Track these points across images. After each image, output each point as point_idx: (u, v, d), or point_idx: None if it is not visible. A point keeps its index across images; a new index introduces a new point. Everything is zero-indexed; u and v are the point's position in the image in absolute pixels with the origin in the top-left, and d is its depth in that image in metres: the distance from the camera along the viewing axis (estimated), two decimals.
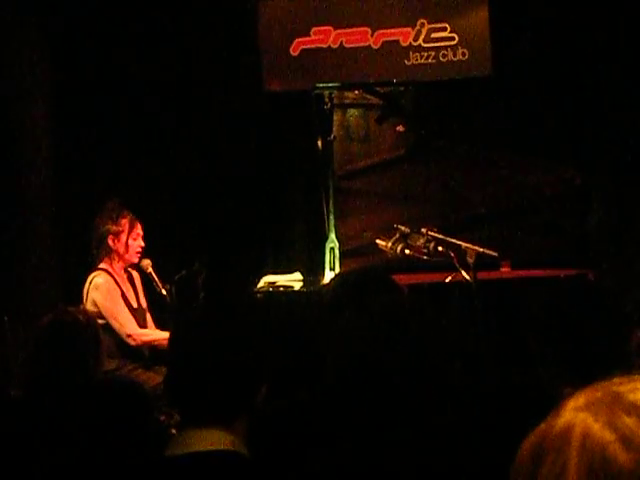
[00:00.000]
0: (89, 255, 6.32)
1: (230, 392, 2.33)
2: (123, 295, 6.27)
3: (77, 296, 6.21)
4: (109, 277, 6.24)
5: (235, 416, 2.33)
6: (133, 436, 3.20)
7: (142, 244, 6.33)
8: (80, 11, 7.61)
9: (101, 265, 6.28)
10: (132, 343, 6.15)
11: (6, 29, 7.37)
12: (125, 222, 6.25)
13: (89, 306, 6.14)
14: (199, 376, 2.33)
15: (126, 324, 6.17)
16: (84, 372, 3.62)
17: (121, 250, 6.26)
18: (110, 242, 6.23)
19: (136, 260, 6.36)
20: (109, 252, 6.26)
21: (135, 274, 6.45)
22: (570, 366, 2.59)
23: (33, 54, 7.51)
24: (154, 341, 6.21)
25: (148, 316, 6.46)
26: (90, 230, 6.31)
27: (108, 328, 6.08)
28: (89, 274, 6.25)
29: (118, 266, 6.31)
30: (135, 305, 6.35)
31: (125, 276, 6.39)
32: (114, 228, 6.23)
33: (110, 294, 6.19)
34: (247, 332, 2.41)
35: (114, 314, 6.15)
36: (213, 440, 2.28)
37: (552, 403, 1.17)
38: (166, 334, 6.06)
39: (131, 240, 6.28)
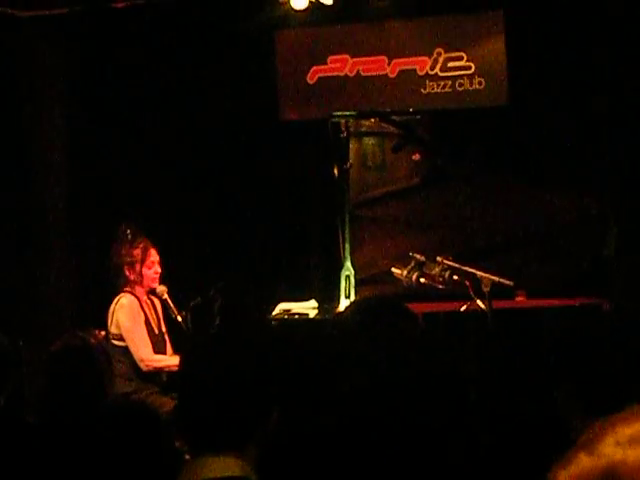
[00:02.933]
0: (108, 282, 6.36)
1: (241, 419, 2.32)
2: (147, 319, 6.31)
3: (92, 320, 6.24)
4: (134, 299, 6.30)
5: (246, 442, 2.32)
6: (146, 461, 3.20)
7: (158, 270, 6.36)
8: (97, 36, 7.66)
9: (126, 288, 6.33)
10: (144, 368, 6.17)
11: (23, 51, 7.44)
12: (138, 252, 6.28)
13: (113, 328, 6.19)
14: (209, 402, 2.32)
15: (141, 348, 6.19)
16: (98, 394, 3.62)
17: (137, 279, 6.30)
18: (126, 272, 6.28)
19: (155, 286, 6.39)
20: (127, 281, 6.30)
21: (156, 300, 6.49)
22: (586, 396, 2.57)
23: (49, 73, 7.59)
24: (166, 367, 6.24)
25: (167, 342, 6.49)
26: (107, 257, 6.35)
27: (128, 351, 6.14)
28: (114, 296, 6.29)
29: (140, 292, 6.35)
30: (157, 331, 6.39)
31: (149, 302, 6.43)
32: (128, 259, 6.27)
33: (133, 315, 6.24)
34: (259, 359, 2.40)
35: (132, 336, 6.18)
36: (224, 467, 2.28)
37: (567, 433, 1.16)
38: (178, 359, 6.09)
39: (145, 269, 6.31)
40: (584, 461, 1.10)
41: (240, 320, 6.99)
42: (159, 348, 6.35)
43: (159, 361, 6.25)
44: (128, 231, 6.34)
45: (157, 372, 6.24)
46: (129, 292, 6.32)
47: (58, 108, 7.69)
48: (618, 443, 1.07)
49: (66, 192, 7.66)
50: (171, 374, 6.21)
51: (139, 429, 3.20)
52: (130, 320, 6.23)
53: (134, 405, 4.58)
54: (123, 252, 6.28)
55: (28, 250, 7.44)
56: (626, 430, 1.09)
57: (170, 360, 6.28)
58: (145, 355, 6.19)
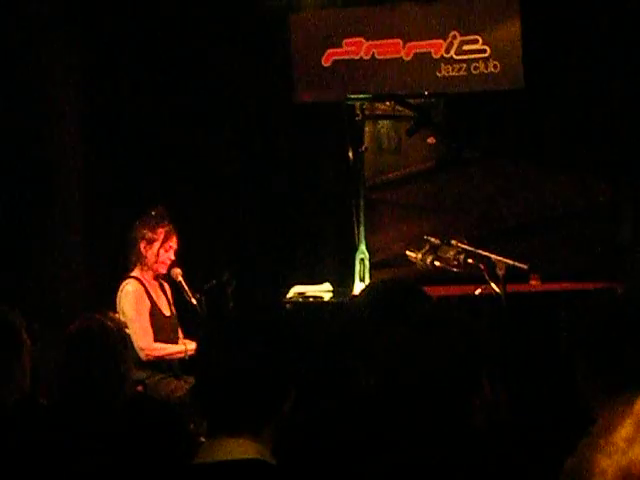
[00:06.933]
0: (121, 258, 6.35)
1: (257, 401, 2.33)
2: (154, 303, 6.28)
3: (108, 302, 6.22)
4: (140, 285, 6.26)
5: (262, 425, 2.33)
6: (162, 446, 3.22)
7: (172, 257, 6.34)
8: (111, 22, 7.66)
9: (133, 273, 6.31)
10: (144, 357, 6.12)
11: (38, 44, 7.44)
12: (161, 232, 6.26)
13: (121, 315, 6.15)
14: (226, 385, 2.33)
15: (141, 337, 6.13)
16: (115, 378, 3.62)
17: (151, 258, 6.28)
18: (142, 248, 6.26)
19: (164, 271, 6.36)
20: (139, 258, 6.28)
21: (166, 285, 6.46)
22: (603, 380, 2.56)
23: (64, 68, 7.60)
24: (166, 355, 6.20)
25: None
26: (124, 239, 6.35)
27: None
28: (121, 281, 6.28)
29: (148, 274, 6.33)
30: (168, 313, 6.37)
31: (157, 284, 6.40)
32: (149, 235, 6.25)
33: (137, 303, 6.20)
34: (275, 341, 2.41)
35: (133, 325, 6.05)
36: (240, 449, 2.29)
37: (585, 416, 1.16)
38: (178, 347, 6.16)
39: (162, 251, 6.28)
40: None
41: (254, 302, 7.01)
42: (170, 332, 6.32)
43: (159, 350, 6.19)
44: (154, 212, 6.32)
45: (158, 360, 6.21)
46: (134, 278, 6.28)
47: (73, 90, 7.69)
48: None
49: (83, 177, 7.67)
50: (182, 359, 6.20)
51: (156, 421, 3.22)
52: (133, 309, 6.18)
53: (151, 399, 4.61)
54: (146, 228, 6.26)
55: (44, 233, 7.46)
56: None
57: (171, 348, 6.23)
58: (145, 344, 6.13)
